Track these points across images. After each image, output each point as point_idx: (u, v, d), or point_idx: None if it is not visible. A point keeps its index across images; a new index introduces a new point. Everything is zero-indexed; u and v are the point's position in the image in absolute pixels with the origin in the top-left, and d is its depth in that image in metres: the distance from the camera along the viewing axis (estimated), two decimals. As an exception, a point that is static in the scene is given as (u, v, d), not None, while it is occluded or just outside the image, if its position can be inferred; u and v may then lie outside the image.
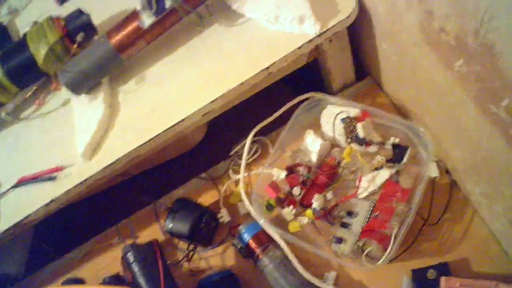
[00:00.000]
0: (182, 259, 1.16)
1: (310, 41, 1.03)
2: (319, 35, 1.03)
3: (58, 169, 1.12)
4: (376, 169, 1.08)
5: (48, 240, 1.45)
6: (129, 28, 1.08)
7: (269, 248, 1.08)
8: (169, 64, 1.16)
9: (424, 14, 0.79)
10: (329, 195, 1.10)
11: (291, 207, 1.09)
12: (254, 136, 1.21)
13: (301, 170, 1.13)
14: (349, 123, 1.09)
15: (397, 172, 1.07)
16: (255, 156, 1.23)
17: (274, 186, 1.11)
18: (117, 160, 1.08)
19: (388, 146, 1.09)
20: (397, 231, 0.99)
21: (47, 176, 1.12)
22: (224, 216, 1.18)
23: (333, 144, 1.16)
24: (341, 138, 1.11)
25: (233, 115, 1.18)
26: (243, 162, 1.19)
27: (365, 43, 1.17)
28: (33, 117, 1.24)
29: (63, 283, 1.17)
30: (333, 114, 1.11)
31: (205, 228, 1.13)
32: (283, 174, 1.12)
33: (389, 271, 1.02)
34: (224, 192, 1.22)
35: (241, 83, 1.05)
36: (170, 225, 1.13)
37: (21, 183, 1.14)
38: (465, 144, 0.93)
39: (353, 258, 1.03)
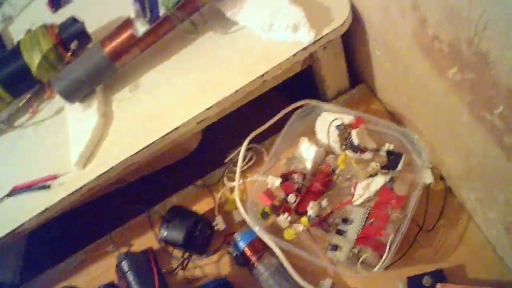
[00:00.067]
0: (177, 267, 1.16)
1: (304, 49, 1.03)
2: (313, 43, 1.03)
3: (52, 177, 1.11)
4: (371, 176, 1.08)
5: (42, 248, 1.45)
6: (123, 36, 1.08)
7: (265, 256, 1.08)
8: (163, 72, 1.15)
9: (418, 21, 0.79)
10: (324, 202, 1.09)
11: (286, 214, 1.09)
12: (249, 143, 1.21)
13: (296, 177, 1.13)
14: (344, 130, 1.09)
15: (392, 179, 1.07)
16: (250, 163, 1.23)
17: (269, 193, 1.11)
18: (111, 168, 1.07)
19: (383, 153, 1.09)
20: (393, 238, 0.99)
21: (41, 185, 1.11)
22: (219, 223, 1.17)
23: (328, 151, 1.16)
24: (335, 145, 1.11)
25: (228, 122, 1.18)
26: (238, 170, 1.19)
27: (359, 50, 1.18)
28: (27, 126, 1.24)
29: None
30: (328, 121, 1.11)
31: (200, 236, 1.13)
32: (278, 181, 1.12)
33: (384, 278, 1.02)
34: (219, 199, 1.22)
35: (236, 91, 1.05)
36: (165, 234, 1.12)
37: (15, 191, 1.13)
38: (459, 151, 0.93)
39: (348, 266, 1.03)
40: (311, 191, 1.11)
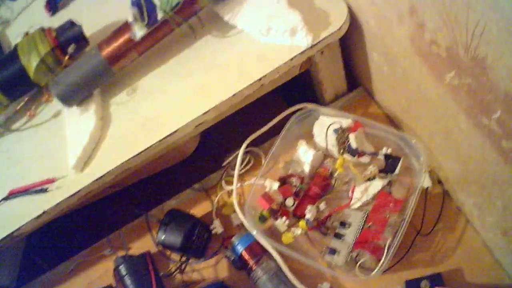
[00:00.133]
0: (175, 271, 1.16)
1: (302, 53, 1.03)
2: (311, 47, 1.03)
3: (50, 181, 1.11)
4: (369, 179, 1.08)
5: (40, 251, 1.44)
6: (121, 39, 1.08)
7: (263, 260, 1.08)
8: (161, 75, 1.15)
9: (415, 26, 0.80)
10: (322, 205, 1.09)
11: (284, 218, 1.09)
12: (247, 147, 1.20)
13: (294, 181, 1.13)
14: (342, 134, 1.09)
15: (390, 183, 1.07)
16: (248, 167, 1.23)
17: (267, 197, 1.11)
18: (109, 172, 1.07)
19: (381, 157, 1.09)
20: (390, 241, 0.99)
21: (39, 188, 1.11)
22: (217, 227, 1.17)
23: (326, 154, 1.16)
24: (333, 148, 1.11)
25: (226, 125, 1.18)
26: (236, 173, 1.19)
27: (357, 53, 1.18)
28: (25, 129, 1.23)
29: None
30: (326, 124, 1.11)
31: (197, 239, 1.13)
32: (276, 185, 1.12)
33: (382, 282, 1.02)
34: (217, 203, 1.22)
35: (234, 95, 1.05)
36: (162, 237, 1.12)
37: (12, 195, 1.13)
38: (456, 156, 0.93)
39: (346, 269, 1.03)
40: (309, 194, 1.11)
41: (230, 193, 1.21)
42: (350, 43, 1.15)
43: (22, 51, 1.14)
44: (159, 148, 1.08)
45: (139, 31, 1.06)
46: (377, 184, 1.07)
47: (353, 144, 1.07)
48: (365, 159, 1.10)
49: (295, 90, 1.26)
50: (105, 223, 1.35)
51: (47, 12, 1.37)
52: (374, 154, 1.10)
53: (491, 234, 0.97)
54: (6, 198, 1.13)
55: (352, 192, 1.08)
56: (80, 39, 1.15)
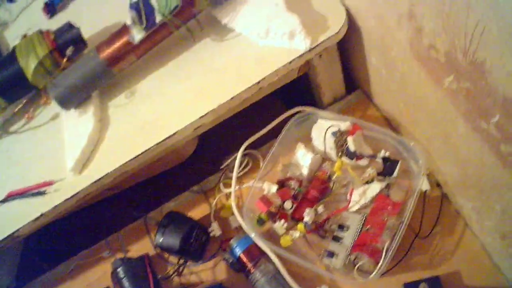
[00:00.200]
0: (173, 274, 1.16)
1: (300, 56, 1.03)
2: (310, 50, 1.03)
3: (48, 183, 1.11)
4: (367, 182, 1.08)
5: (38, 253, 1.44)
6: (119, 42, 1.08)
7: (261, 262, 1.08)
8: (160, 78, 1.15)
9: (414, 30, 0.80)
10: (320, 208, 1.09)
11: (282, 221, 1.09)
12: (245, 149, 1.20)
13: (292, 184, 1.13)
14: (340, 137, 1.09)
15: (388, 186, 1.07)
16: (246, 169, 1.23)
17: (265, 200, 1.11)
18: (107, 174, 1.07)
19: (379, 160, 1.09)
20: (389, 244, 0.99)
21: (37, 191, 1.11)
22: (215, 229, 1.17)
23: (324, 157, 1.16)
24: (332, 151, 1.11)
25: (224, 128, 1.18)
26: (234, 176, 1.19)
27: (355, 56, 1.18)
28: (23, 131, 1.23)
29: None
30: (324, 128, 1.11)
31: (195, 242, 1.12)
32: (274, 188, 1.12)
33: (381, 285, 1.02)
34: (215, 205, 1.22)
35: (232, 98, 1.05)
36: (161, 240, 1.12)
37: (10, 197, 1.13)
38: (455, 159, 0.93)
39: (344, 272, 1.03)
40: (307, 197, 1.11)
41: (228, 196, 1.21)
42: (348, 46, 1.15)
43: (20, 53, 1.14)
44: (158, 151, 1.08)
45: (137, 34, 1.06)
46: (375, 187, 1.07)
47: (351, 147, 1.07)
48: (363, 162, 1.10)
49: (293, 93, 1.26)
50: (104, 225, 1.35)
51: (45, 14, 1.38)
52: (372, 157, 1.10)
53: (490, 238, 0.97)
54: (4, 200, 1.13)
55: (350, 195, 1.08)
56: (79, 42, 1.16)
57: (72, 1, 1.39)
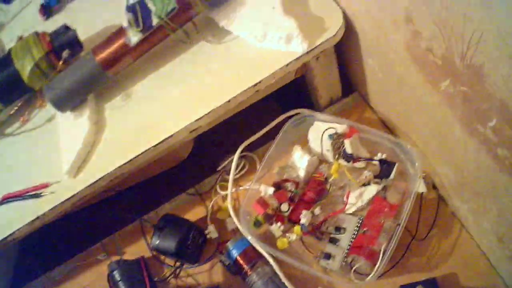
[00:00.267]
0: (169, 276, 1.15)
1: (297, 59, 1.03)
2: (307, 53, 1.03)
3: (43, 186, 1.11)
4: (364, 185, 1.08)
5: (33, 255, 1.43)
6: (115, 45, 1.07)
7: (258, 265, 1.08)
8: (156, 80, 1.15)
9: (411, 34, 0.80)
10: (317, 210, 1.09)
11: (279, 223, 1.09)
12: (242, 151, 1.20)
13: (289, 186, 1.13)
14: (337, 139, 1.09)
15: (385, 188, 1.08)
16: (243, 171, 1.23)
17: (262, 202, 1.11)
18: (102, 177, 1.07)
19: (376, 162, 1.09)
20: (385, 247, 0.99)
21: (32, 193, 1.11)
22: (211, 232, 1.17)
23: (321, 160, 1.16)
24: (328, 154, 1.11)
25: (221, 130, 1.18)
26: (230, 178, 1.18)
27: (352, 59, 1.18)
28: (18, 134, 1.23)
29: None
30: (321, 130, 1.11)
31: (192, 244, 1.12)
32: (271, 190, 1.11)
33: (377, 287, 1.02)
34: (212, 208, 1.22)
35: (229, 100, 1.05)
36: (157, 242, 1.12)
37: (5, 200, 1.12)
38: (452, 162, 0.94)
39: (341, 274, 1.03)
40: (304, 199, 1.11)
41: (225, 198, 1.21)
42: (345, 48, 1.15)
43: (16, 56, 1.14)
44: (154, 154, 1.08)
45: (134, 37, 1.05)
46: (372, 189, 1.07)
47: (348, 150, 1.08)
48: (360, 164, 1.10)
49: (290, 95, 1.25)
50: (100, 227, 1.34)
51: (41, 16, 1.37)
52: (369, 160, 1.10)
53: (486, 240, 0.98)
54: (-1, 203, 1.12)
55: (347, 197, 1.08)
56: (75, 44, 1.15)
57: (68, 3, 1.38)
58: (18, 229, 1.08)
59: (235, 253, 1.10)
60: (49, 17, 1.37)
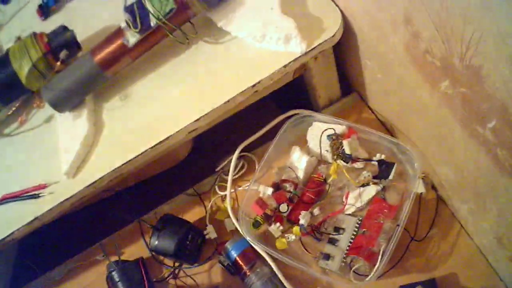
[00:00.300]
0: (168, 277, 1.15)
1: (296, 59, 1.03)
2: (305, 54, 1.03)
3: (42, 186, 1.10)
4: (363, 185, 1.08)
5: (32, 256, 1.43)
6: (114, 45, 1.07)
7: (257, 265, 1.08)
8: (154, 81, 1.15)
9: (410, 36, 0.79)
10: (316, 211, 1.09)
11: (278, 224, 1.09)
12: (240, 152, 1.20)
13: (288, 186, 1.13)
14: (336, 140, 1.09)
15: (384, 189, 1.08)
16: (241, 172, 1.23)
17: (261, 203, 1.11)
18: (101, 178, 1.07)
19: (375, 163, 1.09)
20: (385, 247, 0.99)
21: (31, 194, 1.10)
22: (210, 232, 1.17)
23: (320, 160, 1.16)
24: (327, 154, 1.11)
25: (219, 130, 1.18)
26: (229, 179, 1.18)
27: (351, 60, 1.18)
28: (16, 134, 1.22)
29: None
30: (320, 130, 1.11)
31: (191, 245, 1.12)
32: (269, 190, 1.11)
33: (377, 288, 1.02)
34: (210, 208, 1.21)
35: (227, 101, 1.04)
36: (156, 243, 1.11)
37: (4, 200, 1.12)
38: (451, 163, 0.94)
39: (340, 275, 1.03)
40: (303, 200, 1.12)
41: (223, 199, 1.21)
42: (344, 49, 1.15)
43: (14, 56, 1.13)
44: (153, 154, 1.08)
45: (132, 38, 1.05)
46: (371, 190, 1.07)
47: (347, 150, 1.07)
48: (359, 165, 1.10)
49: (289, 95, 1.25)
50: (98, 228, 1.34)
51: (39, 16, 1.36)
52: (368, 160, 1.10)
53: (486, 240, 0.98)
54: (-3, 204, 1.12)
55: (346, 198, 1.09)
56: (73, 45, 1.15)
57: (66, 4, 1.38)
58: (17, 230, 1.08)
59: (234, 254, 1.10)
60: (47, 17, 1.37)
